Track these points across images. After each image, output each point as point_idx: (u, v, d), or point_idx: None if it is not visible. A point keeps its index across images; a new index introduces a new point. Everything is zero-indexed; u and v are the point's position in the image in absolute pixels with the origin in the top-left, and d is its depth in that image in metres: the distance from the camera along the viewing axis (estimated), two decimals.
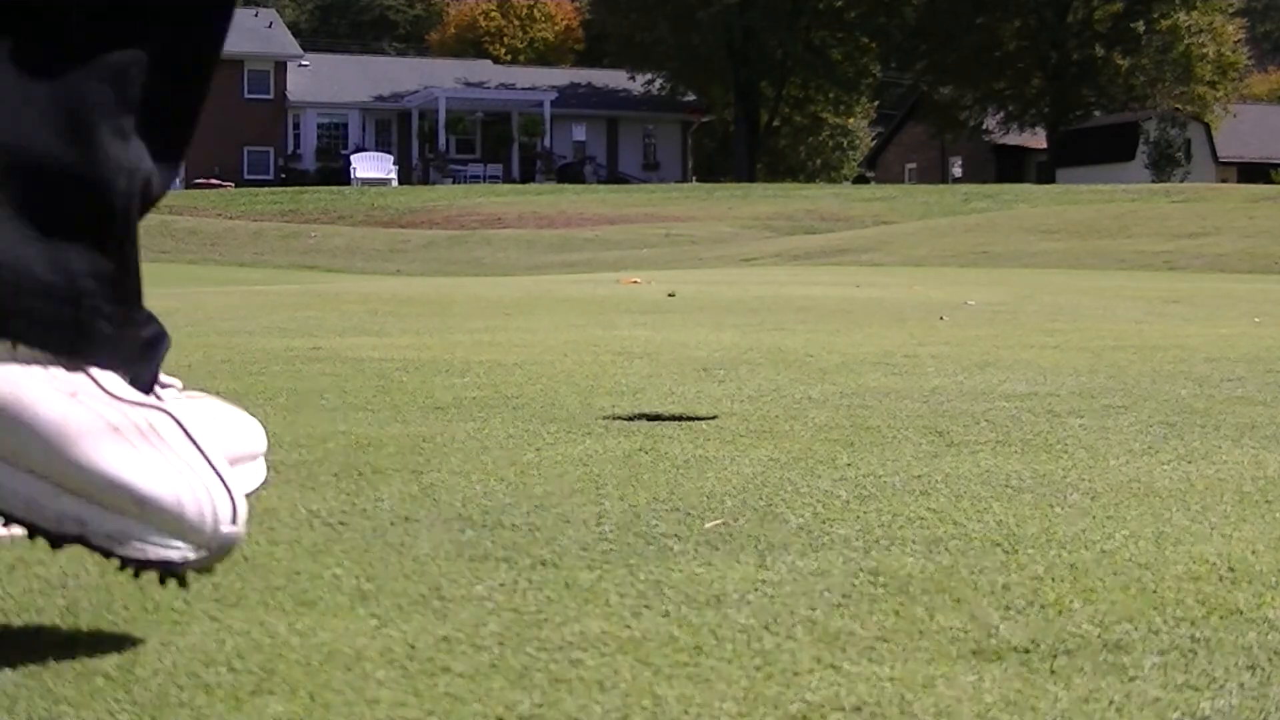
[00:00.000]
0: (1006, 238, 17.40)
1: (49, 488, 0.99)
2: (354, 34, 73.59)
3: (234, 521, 1.00)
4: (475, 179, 44.14)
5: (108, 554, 1.00)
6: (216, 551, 0.99)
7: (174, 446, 1.03)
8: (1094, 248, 15.66)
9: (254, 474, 1.58)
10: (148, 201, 1.13)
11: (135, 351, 1.09)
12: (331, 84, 51.10)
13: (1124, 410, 2.24)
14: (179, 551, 0.99)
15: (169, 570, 0.98)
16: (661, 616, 1.05)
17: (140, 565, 0.99)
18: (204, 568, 1.00)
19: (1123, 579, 1.15)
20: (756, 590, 1.12)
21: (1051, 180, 45.03)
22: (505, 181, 43.73)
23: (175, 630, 1.01)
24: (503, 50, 61.81)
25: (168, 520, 0.99)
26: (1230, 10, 51.09)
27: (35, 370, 1.01)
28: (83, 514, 0.99)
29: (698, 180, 46.78)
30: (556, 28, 65.22)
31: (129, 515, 0.99)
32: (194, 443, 1.04)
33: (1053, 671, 0.92)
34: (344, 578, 1.16)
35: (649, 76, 51.10)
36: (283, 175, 48.43)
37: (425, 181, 43.03)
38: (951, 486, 1.58)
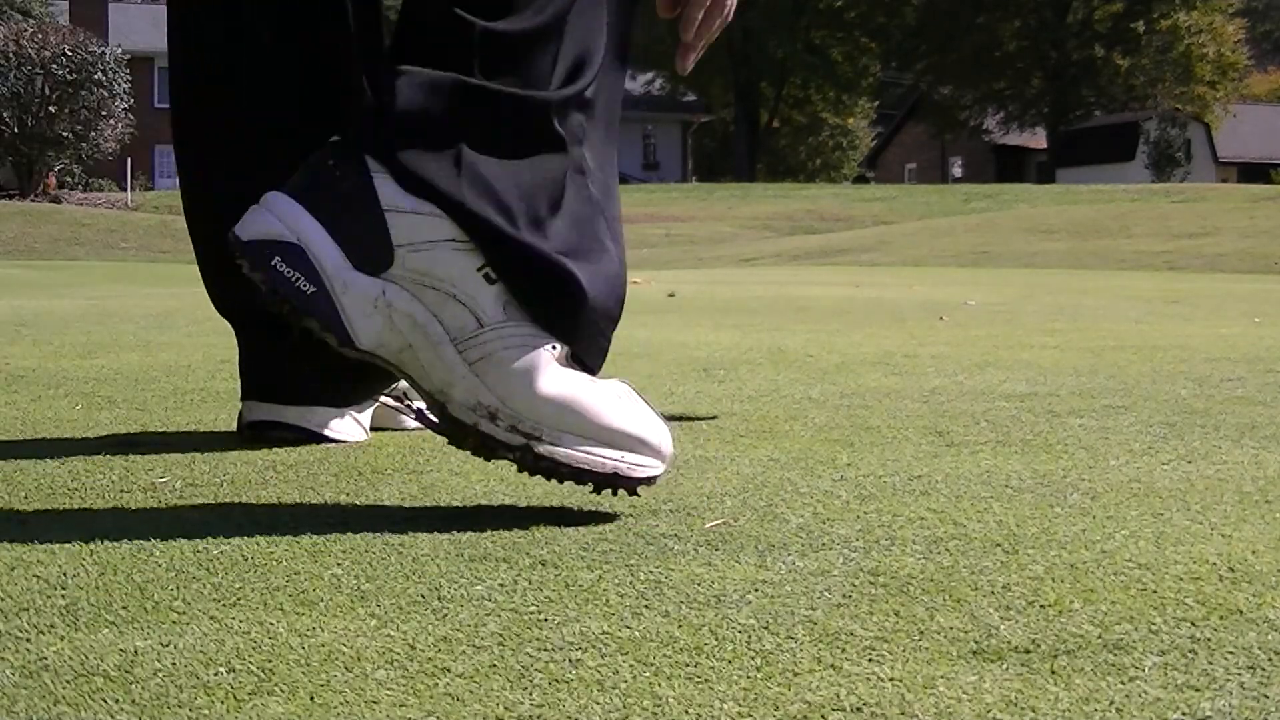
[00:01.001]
0: (1006, 238, 17.40)
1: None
2: None
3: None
4: None
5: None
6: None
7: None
8: (1094, 248, 15.66)
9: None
10: None
11: None
12: None
13: (1124, 410, 2.24)
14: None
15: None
16: (661, 616, 1.05)
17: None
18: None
19: (1123, 579, 1.15)
20: (756, 590, 1.12)
21: (1051, 180, 45.04)
22: None
23: (175, 630, 1.01)
24: None
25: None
26: (1230, 10, 51.09)
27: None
28: None
29: (698, 180, 46.75)
30: None
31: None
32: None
33: (1053, 671, 0.92)
34: (344, 578, 1.16)
35: (649, 76, 51.07)
36: None
37: None
38: (951, 486, 1.58)
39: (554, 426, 1.38)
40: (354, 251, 1.38)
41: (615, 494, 1.43)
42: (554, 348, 1.41)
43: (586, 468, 1.39)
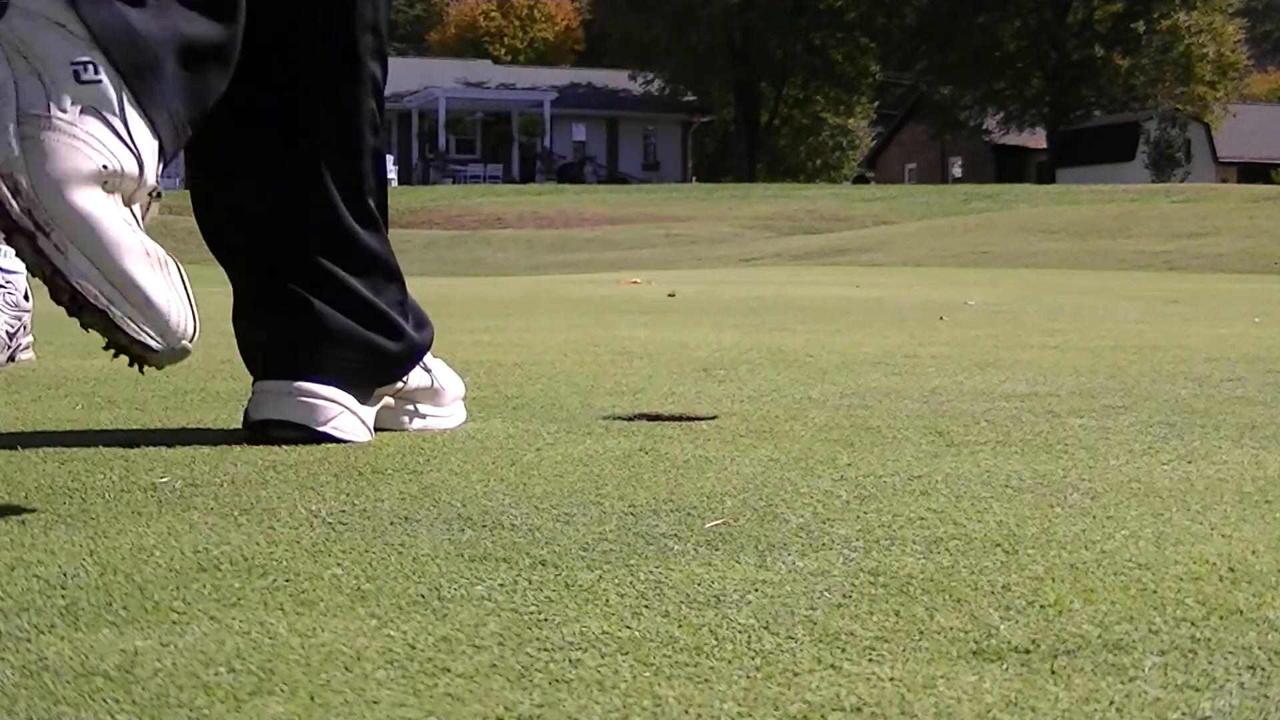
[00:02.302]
0: (1006, 238, 17.40)
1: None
2: None
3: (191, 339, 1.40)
4: (475, 179, 44.09)
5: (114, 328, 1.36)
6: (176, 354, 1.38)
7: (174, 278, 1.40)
8: (1094, 248, 15.66)
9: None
10: None
11: None
12: None
13: (1124, 410, 2.24)
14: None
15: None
16: (661, 616, 1.05)
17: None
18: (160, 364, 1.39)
19: (1123, 579, 1.15)
20: (756, 590, 1.12)
21: (1051, 180, 45.02)
22: (505, 181, 43.68)
23: (175, 630, 1.01)
24: (503, 50, 61.77)
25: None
26: (1230, 10, 51.08)
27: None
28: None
29: (698, 180, 46.71)
30: (556, 28, 65.19)
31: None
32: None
33: (1053, 671, 0.92)
34: (344, 578, 1.16)
35: (649, 77, 51.07)
36: None
37: (425, 181, 42.99)
38: (951, 486, 1.58)
39: (68, 234, 1.31)
40: None
41: (109, 348, 1.38)
42: (115, 175, 1.35)
43: (80, 290, 1.32)
